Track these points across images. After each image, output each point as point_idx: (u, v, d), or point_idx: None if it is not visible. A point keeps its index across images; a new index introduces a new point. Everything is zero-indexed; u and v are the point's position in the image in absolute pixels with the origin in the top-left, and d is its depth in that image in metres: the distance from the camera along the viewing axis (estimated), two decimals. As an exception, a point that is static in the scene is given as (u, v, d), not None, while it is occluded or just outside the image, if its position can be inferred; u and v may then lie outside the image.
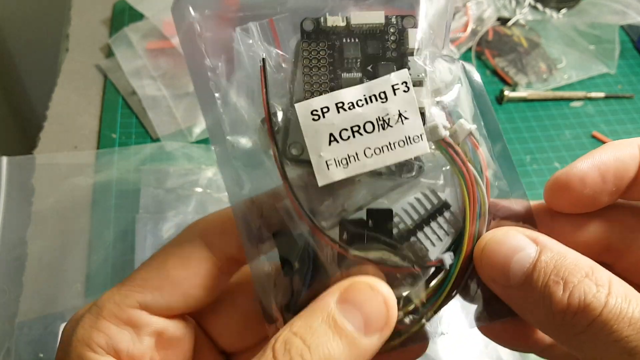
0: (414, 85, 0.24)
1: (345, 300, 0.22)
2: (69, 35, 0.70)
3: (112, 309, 0.24)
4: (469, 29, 0.71)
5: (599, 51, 0.71)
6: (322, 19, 0.24)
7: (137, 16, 0.69)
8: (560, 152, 0.62)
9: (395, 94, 0.23)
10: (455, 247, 0.25)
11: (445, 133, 0.24)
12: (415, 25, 0.24)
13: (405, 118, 0.23)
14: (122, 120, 0.61)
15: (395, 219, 0.25)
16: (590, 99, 0.67)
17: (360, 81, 0.24)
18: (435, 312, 0.25)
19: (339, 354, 0.21)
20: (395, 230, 0.25)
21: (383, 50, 0.24)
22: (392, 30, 0.24)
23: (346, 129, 0.23)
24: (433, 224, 0.25)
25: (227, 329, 0.28)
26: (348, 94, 0.23)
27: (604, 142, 0.63)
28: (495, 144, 0.26)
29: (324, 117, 0.23)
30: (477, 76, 0.26)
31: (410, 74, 0.24)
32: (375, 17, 0.24)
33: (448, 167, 0.25)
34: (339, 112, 0.23)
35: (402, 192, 0.25)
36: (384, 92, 0.23)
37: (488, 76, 0.69)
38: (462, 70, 0.26)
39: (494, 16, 0.73)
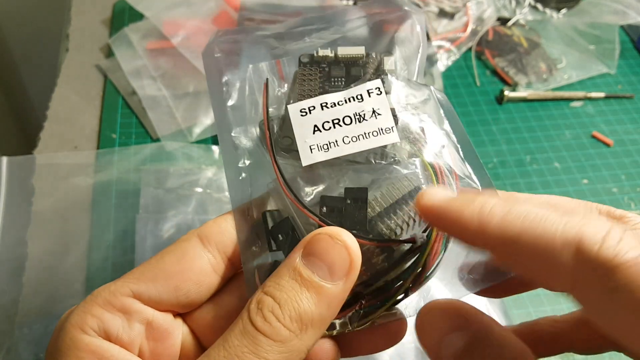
0: (386, 93, 0.28)
1: (308, 254, 0.23)
2: (69, 35, 0.70)
3: (106, 297, 0.25)
4: (469, 29, 0.71)
5: (599, 51, 0.71)
6: (315, 53, 0.30)
7: (137, 16, 0.69)
8: (560, 152, 0.62)
9: (369, 96, 0.28)
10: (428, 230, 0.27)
11: (414, 130, 0.28)
12: (391, 54, 0.30)
13: (379, 114, 0.28)
14: (122, 120, 0.61)
15: (372, 201, 0.27)
16: (590, 99, 0.67)
17: (344, 85, 0.29)
18: (405, 292, 0.26)
19: (309, 304, 0.23)
20: (369, 210, 0.26)
21: (364, 72, 0.30)
22: (371, 60, 0.30)
23: (328, 122, 0.28)
24: (408, 207, 0.26)
25: (214, 328, 0.28)
26: (331, 97, 0.29)
27: (604, 142, 0.63)
28: (464, 147, 0.29)
29: (310, 113, 0.28)
30: (443, 97, 0.31)
31: (384, 84, 0.29)
32: (357, 50, 0.30)
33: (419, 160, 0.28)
34: (322, 109, 0.28)
35: (380, 180, 0.28)
36: (360, 95, 0.28)
37: (488, 76, 0.69)
38: (432, 92, 0.30)
39: (494, 16, 0.73)
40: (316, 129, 0.28)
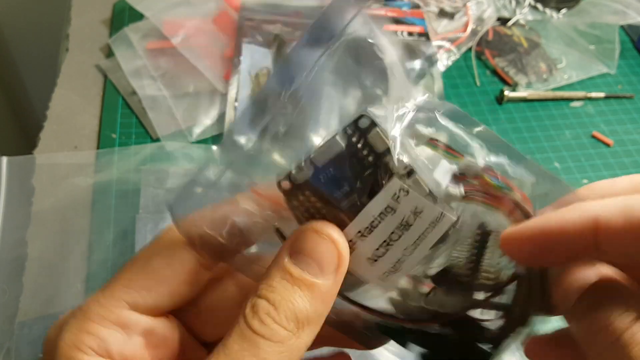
0: (409, 176, 0.23)
1: (296, 252, 0.23)
2: (68, 35, 0.70)
3: (99, 311, 0.24)
4: (468, 29, 0.71)
5: (599, 51, 0.71)
6: (291, 174, 0.24)
7: (137, 16, 0.69)
8: (560, 152, 0.62)
9: (399, 202, 0.23)
10: None
11: (455, 191, 0.24)
12: (373, 124, 0.23)
13: (420, 212, 0.24)
14: (122, 120, 0.61)
15: (454, 264, 0.25)
16: (590, 99, 0.67)
17: (362, 204, 0.24)
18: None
19: (303, 303, 0.23)
20: (463, 272, 0.25)
21: (360, 164, 0.23)
22: (354, 140, 0.23)
23: (378, 248, 0.24)
24: (488, 251, 0.25)
25: (208, 321, 0.28)
26: (359, 223, 0.24)
27: (604, 142, 0.63)
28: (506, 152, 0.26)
29: (350, 249, 0.24)
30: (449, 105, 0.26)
31: (398, 177, 0.23)
32: (333, 144, 0.23)
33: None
34: (362, 240, 0.24)
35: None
36: (388, 207, 0.24)
37: (488, 76, 0.69)
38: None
39: (494, 16, 0.73)
40: (369, 259, 0.24)
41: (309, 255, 0.23)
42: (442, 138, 0.25)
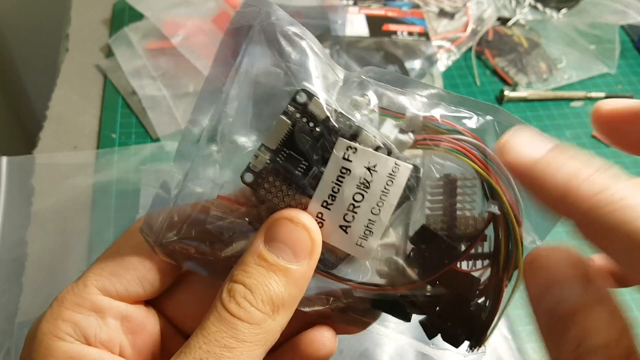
0: (356, 136, 0.24)
1: (270, 239, 0.24)
2: (68, 35, 0.70)
3: (73, 299, 0.25)
4: (469, 29, 0.71)
5: (599, 51, 0.71)
6: (250, 164, 0.25)
7: (137, 16, 0.69)
8: (560, 152, 0.62)
9: (351, 161, 0.24)
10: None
11: (406, 138, 0.25)
12: (310, 95, 0.24)
13: (374, 167, 0.24)
14: (122, 120, 0.61)
15: (431, 220, 0.26)
16: (590, 99, 0.67)
17: (321, 174, 0.24)
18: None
19: (278, 287, 0.24)
20: (441, 233, 0.25)
21: (310, 137, 0.24)
22: (298, 116, 0.24)
23: (346, 213, 0.25)
24: (459, 199, 0.25)
25: (188, 313, 0.28)
26: (321, 193, 0.25)
27: (604, 143, 0.63)
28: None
29: (321, 224, 0.25)
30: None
31: (343, 136, 0.24)
32: (280, 125, 0.24)
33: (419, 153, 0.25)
34: (329, 209, 0.25)
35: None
36: (343, 168, 0.24)
37: (488, 76, 0.69)
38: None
39: (494, 16, 0.73)
40: (343, 229, 0.25)
41: (282, 242, 0.24)
42: (378, 101, 0.26)
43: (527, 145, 0.22)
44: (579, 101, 0.67)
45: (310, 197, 0.25)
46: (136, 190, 0.54)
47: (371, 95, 0.26)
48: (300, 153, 0.24)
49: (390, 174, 0.24)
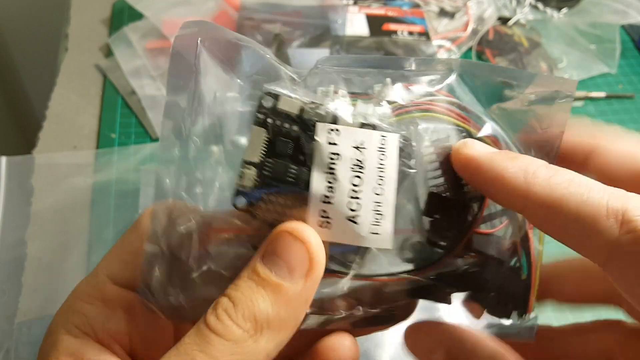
0: (335, 120, 0.23)
1: (269, 252, 0.22)
2: (68, 35, 0.69)
3: (85, 289, 0.25)
4: (469, 29, 0.71)
5: (599, 51, 0.71)
6: (238, 188, 0.23)
7: (136, 16, 0.69)
8: (561, 151, 0.62)
9: (338, 144, 0.23)
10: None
11: (384, 110, 0.24)
12: (276, 95, 0.23)
13: (362, 144, 0.23)
14: (122, 120, 0.61)
15: (436, 189, 0.25)
16: (591, 98, 0.67)
17: (309, 171, 0.23)
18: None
19: (264, 303, 0.21)
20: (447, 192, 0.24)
21: (289, 138, 0.23)
22: (270, 121, 0.23)
23: (349, 202, 0.23)
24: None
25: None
26: (317, 187, 0.23)
27: (604, 142, 0.63)
28: None
29: (327, 225, 0.23)
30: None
31: (319, 121, 0.23)
32: (256, 135, 0.23)
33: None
34: (331, 202, 0.23)
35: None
36: (331, 154, 0.23)
37: (488, 76, 0.69)
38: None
39: (495, 16, 0.73)
40: (352, 220, 0.23)
41: (280, 256, 0.22)
42: (345, 87, 0.25)
43: (481, 145, 0.23)
44: (579, 101, 0.67)
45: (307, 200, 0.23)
46: (136, 190, 0.53)
47: (336, 82, 0.25)
48: (286, 157, 0.23)
49: (380, 147, 0.23)
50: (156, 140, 0.58)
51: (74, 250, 0.50)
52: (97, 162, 0.56)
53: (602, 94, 0.67)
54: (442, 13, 0.72)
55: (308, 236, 0.22)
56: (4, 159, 0.55)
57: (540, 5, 0.75)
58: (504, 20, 0.73)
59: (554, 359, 0.29)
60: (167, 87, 0.25)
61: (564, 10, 0.75)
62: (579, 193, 0.20)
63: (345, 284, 0.25)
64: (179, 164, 0.24)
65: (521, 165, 0.22)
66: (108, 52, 0.67)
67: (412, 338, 0.28)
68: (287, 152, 0.23)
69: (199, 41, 0.24)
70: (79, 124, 0.60)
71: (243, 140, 0.24)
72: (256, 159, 0.23)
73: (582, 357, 0.28)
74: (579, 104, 0.67)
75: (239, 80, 0.25)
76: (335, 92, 0.24)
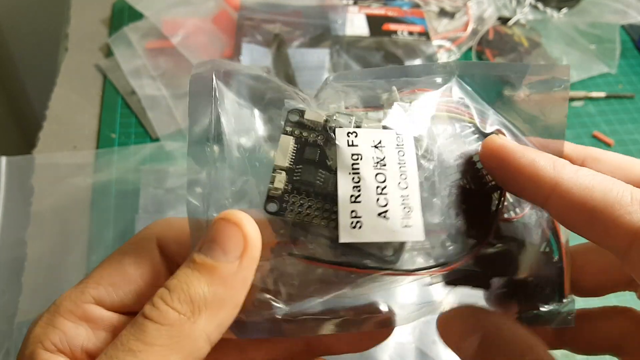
0: (356, 125, 0.25)
1: (204, 242, 0.23)
2: (68, 35, 0.69)
3: (68, 306, 0.24)
4: (469, 29, 0.71)
5: (599, 51, 0.71)
6: (269, 192, 0.24)
7: (136, 16, 0.69)
8: (561, 152, 0.62)
9: (358, 146, 0.24)
10: None
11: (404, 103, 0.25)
12: (302, 111, 0.25)
13: (380, 143, 0.24)
14: (122, 120, 0.61)
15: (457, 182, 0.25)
16: (591, 98, 0.67)
17: (335, 174, 0.24)
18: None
19: (199, 284, 0.21)
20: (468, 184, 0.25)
21: (316, 147, 0.24)
22: (297, 133, 0.25)
23: (377, 198, 0.23)
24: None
25: None
26: (345, 188, 0.23)
27: (604, 142, 0.63)
28: None
29: (359, 225, 0.23)
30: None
31: (339, 125, 0.24)
32: (284, 144, 0.24)
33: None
34: (360, 201, 0.23)
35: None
36: (352, 155, 0.24)
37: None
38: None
39: (495, 15, 0.73)
40: (383, 216, 0.23)
41: (213, 240, 0.22)
42: (356, 101, 0.26)
43: (508, 138, 0.25)
44: (579, 101, 0.67)
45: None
46: (136, 190, 0.53)
47: (348, 98, 0.26)
48: (313, 163, 0.24)
49: (398, 145, 0.24)
50: (156, 140, 0.58)
51: (74, 250, 0.50)
52: (97, 162, 0.56)
53: (602, 94, 0.67)
54: (442, 13, 0.72)
55: (240, 219, 0.22)
56: (4, 159, 0.55)
57: (540, 5, 0.75)
58: (504, 20, 0.73)
59: (562, 345, 0.29)
60: (190, 123, 0.25)
61: (564, 10, 0.75)
62: (604, 182, 0.21)
63: (383, 280, 0.25)
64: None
65: (549, 157, 0.23)
66: (108, 52, 0.67)
67: (445, 324, 0.27)
68: (314, 158, 0.24)
69: (213, 76, 0.25)
70: (79, 124, 0.60)
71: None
72: (285, 164, 0.24)
73: (590, 344, 0.28)
74: (579, 104, 0.67)
75: (256, 110, 0.26)
76: (347, 108, 0.26)
